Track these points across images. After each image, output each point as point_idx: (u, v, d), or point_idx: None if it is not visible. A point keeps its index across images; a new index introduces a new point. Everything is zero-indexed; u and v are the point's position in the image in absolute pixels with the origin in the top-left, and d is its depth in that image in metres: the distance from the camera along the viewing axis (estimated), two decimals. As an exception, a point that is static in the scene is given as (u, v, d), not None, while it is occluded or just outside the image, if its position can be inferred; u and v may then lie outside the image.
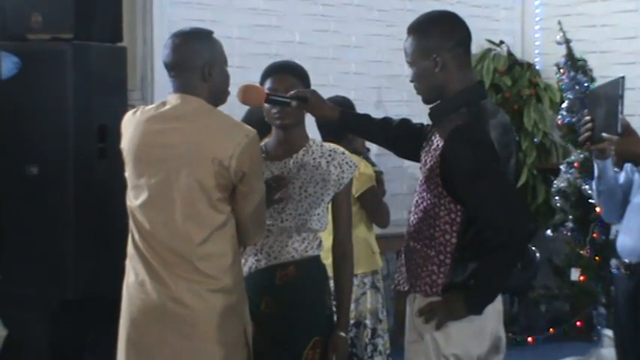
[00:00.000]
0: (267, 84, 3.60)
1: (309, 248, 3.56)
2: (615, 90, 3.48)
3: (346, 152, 3.68)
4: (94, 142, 5.05)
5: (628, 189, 4.05)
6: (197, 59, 3.28)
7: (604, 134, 3.52)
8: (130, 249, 3.32)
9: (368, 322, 4.96)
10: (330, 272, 3.69)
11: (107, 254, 4.86)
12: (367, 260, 4.99)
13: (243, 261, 3.56)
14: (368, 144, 5.19)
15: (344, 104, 4.84)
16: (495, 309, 3.30)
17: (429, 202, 3.28)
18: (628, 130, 3.54)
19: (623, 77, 3.51)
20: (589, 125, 3.59)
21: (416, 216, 3.34)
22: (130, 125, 3.34)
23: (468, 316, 3.23)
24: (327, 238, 3.70)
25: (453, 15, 3.40)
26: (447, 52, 3.28)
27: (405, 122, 3.61)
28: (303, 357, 3.50)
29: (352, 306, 4.84)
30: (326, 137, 4.82)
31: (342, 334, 3.58)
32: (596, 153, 3.87)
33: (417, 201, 3.35)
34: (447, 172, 3.21)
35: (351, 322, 4.87)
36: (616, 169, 4.04)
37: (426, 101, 3.38)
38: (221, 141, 3.21)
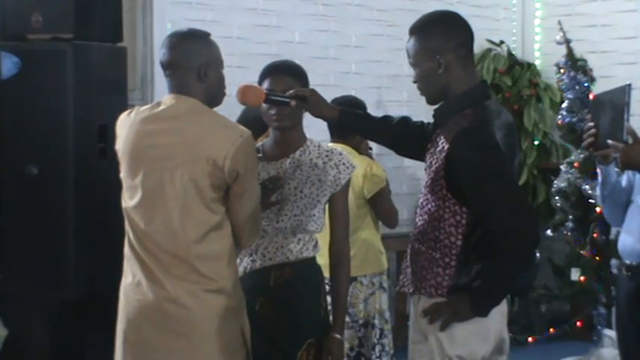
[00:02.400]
0: (266, 84, 3.58)
1: (305, 249, 3.55)
2: (621, 97, 3.47)
3: (344, 153, 3.66)
4: (94, 142, 5.06)
5: (630, 191, 4.04)
6: (193, 59, 3.28)
7: (609, 141, 3.51)
8: (126, 250, 3.31)
9: (376, 322, 4.96)
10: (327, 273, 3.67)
11: (107, 254, 4.85)
12: (376, 261, 4.99)
13: (238, 261, 3.54)
14: (369, 144, 5.19)
15: (354, 104, 4.83)
16: (500, 310, 3.28)
17: (433, 204, 3.26)
18: (634, 137, 3.53)
19: (629, 85, 3.49)
20: (592, 131, 3.58)
21: (421, 218, 3.33)
22: (124, 126, 3.34)
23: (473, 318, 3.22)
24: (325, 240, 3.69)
25: (455, 15, 3.39)
26: (450, 53, 3.26)
27: (405, 120, 3.60)
28: (297, 358, 3.49)
29: (361, 306, 4.85)
30: (334, 137, 4.83)
31: (338, 336, 3.55)
32: (600, 158, 3.87)
33: (421, 203, 3.33)
34: (453, 174, 3.19)
35: (360, 322, 4.87)
36: (616, 169, 4.04)
37: (429, 102, 3.37)
38: (215, 141, 3.21)
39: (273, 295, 3.51)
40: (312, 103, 3.50)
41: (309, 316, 3.54)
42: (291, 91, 3.49)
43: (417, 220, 3.36)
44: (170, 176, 3.20)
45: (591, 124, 3.61)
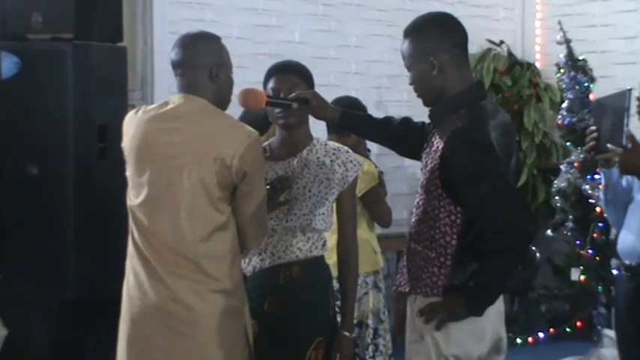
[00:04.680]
0: (271, 84, 3.59)
1: (314, 248, 3.55)
2: (622, 102, 3.48)
3: (350, 151, 3.67)
4: (94, 142, 5.06)
5: (630, 191, 4.04)
6: (206, 58, 3.29)
7: (609, 145, 3.53)
8: (130, 248, 3.31)
9: (370, 322, 4.96)
10: (334, 272, 3.68)
11: (107, 254, 4.87)
12: (369, 260, 4.99)
13: (247, 260, 3.56)
14: (369, 145, 5.19)
15: (354, 104, 4.84)
16: (497, 310, 3.29)
17: (429, 203, 3.27)
18: (633, 142, 3.54)
19: (630, 90, 3.51)
20: (594, 135, 3.60)
21: (416, 217, 3.33)
22: (131, 124, 3.34)
23: (468, 317, 3.22)
24: (330, 238, 3.69)
25: (449, 16, 3.39)
26: (444, 54, 3.26)
27: (406, 121, 3.61)
28: (306, 357, 3.48)
29: (355, 306, 4.85)
30: (330, 135, 4.82)
31: (347, 333, 3.56)
32: (602, 162, 3.87)
33: (417, 202, 3.34)
34: (447, 174, 3.20)
35: (354, 322, 4.87)
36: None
37: (426, 104, 3.37)
38: (224, 140, 3.22)
39: (281, 294, 3.51)
40: (314, 105, 3.51)
41: (318, 314, 3.54)
42: (292, 94, 3.50)
43: (412, 220, 3.37)
44: (178, 175, 3.21)
45: (593, 127, 3.63)
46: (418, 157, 3.48)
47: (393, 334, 5.18)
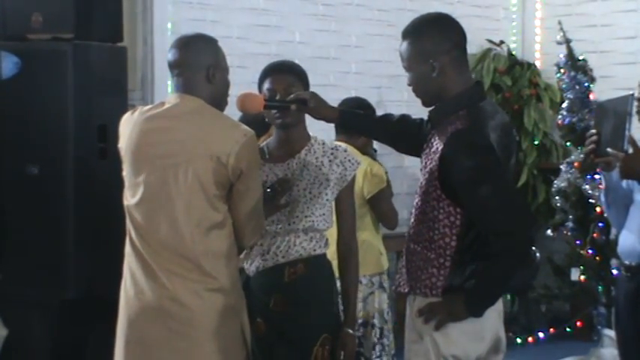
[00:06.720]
0: (266, 84, 3.60)
1: (317, 247, 3.57)
2: (624, 106, 3.48)
3: (349, 150, 3.69)
4: (94, 142, 5.06)
5: (631, 192, 4.05)
6: (204, 59, 3.31)
7: (609, 149, 3.52)
8: (127, 248, 3.32)
9: (376, 321, 4.97)
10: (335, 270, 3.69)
11: (107, 254, 4.85)
12: (375, 261, 5.00)
13: (250, 261, 3.57)
14: (374, 145, 5.18)
15: (362, 105, 4.84)
16: (496, 310, 3.29)
17: (428, 204, 3.27)
18: (635, 147, 3.54)
19: (632, 94, 3.50)
20: (594, 138, 3.59)
21: (415, 218, 3.33)
22: (127, 125, 3.35)
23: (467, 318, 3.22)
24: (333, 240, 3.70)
25: (448, 17, 3.38)
26: (443, 56, 3.26)
27: (404, 118, 3.61)
28: (312, 354, 3.51)
29: (360, 306, 4.86)
30: (338, 135, 4.82)
31: (350, 330, 3.58)
32: (602, 165, 3.87)
33: (417, 203, 3.34)
34: (447, 175, 3.19)
35: (359, 321, 4.87)
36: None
37: (425, 105, 3.37)
38: (220, 138, 3.23)
39: (287, 292, 3.52)
40: (312, 105, 3.51)
41: (323, 311, 3.56)
42: (290, 96, 3.51)
43: (411, 220, 3.37)
44: (174, 173, 3.21)
45: (593, 130, 3.62)
46: (415, 154, 3.49)
47: (394, 333, 5.18)
